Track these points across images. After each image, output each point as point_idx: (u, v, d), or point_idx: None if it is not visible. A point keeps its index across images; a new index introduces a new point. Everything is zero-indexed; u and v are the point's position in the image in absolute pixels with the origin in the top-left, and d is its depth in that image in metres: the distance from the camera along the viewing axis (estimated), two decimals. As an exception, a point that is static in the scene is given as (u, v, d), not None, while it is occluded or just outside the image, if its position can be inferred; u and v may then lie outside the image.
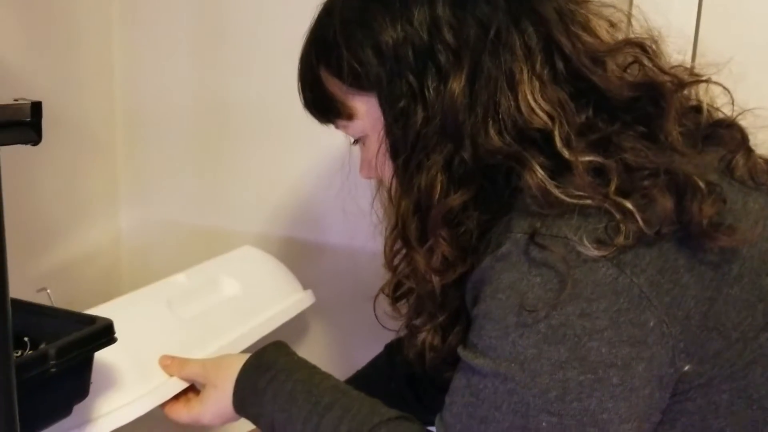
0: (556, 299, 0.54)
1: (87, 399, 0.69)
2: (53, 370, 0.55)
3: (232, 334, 0.88)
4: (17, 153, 0.89)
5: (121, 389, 0.73)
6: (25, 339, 0.61)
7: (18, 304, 0.64)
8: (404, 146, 0.62)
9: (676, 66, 0.64)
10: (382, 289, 0.73)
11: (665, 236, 0.56)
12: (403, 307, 0.72)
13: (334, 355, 1.12)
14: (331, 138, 0.78)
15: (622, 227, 0.54)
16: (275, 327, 0.95)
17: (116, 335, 0.61)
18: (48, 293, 0.78)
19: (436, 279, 0.64)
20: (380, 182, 0.74)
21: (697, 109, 0.66)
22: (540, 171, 0.57)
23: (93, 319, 0.61)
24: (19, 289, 0.67)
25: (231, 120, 1.17)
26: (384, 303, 0.73)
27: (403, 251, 0.66)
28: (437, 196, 0.61)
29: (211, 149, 1.20)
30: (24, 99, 0.66)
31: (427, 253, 0.63)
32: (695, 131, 0.63)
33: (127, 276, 1.26)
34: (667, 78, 0.62)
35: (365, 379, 0.87)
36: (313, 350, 1.15)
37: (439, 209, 0.61)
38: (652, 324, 0.55)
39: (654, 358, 0.55)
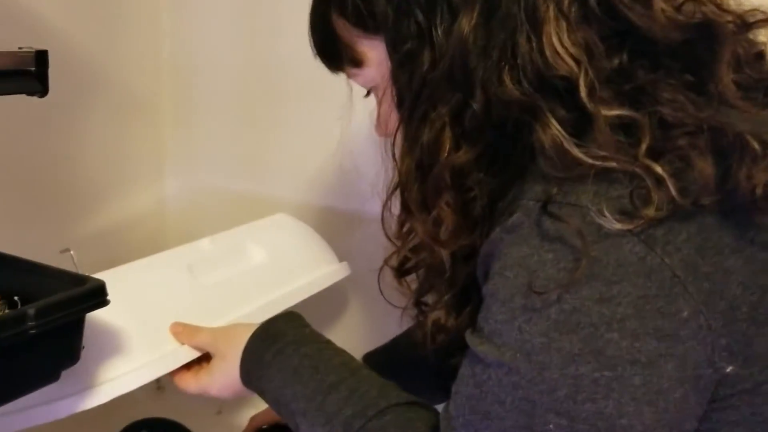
0: (569, 280, 0.47)
1: (89, 364, 0.67)
2: (33, 331, 0.52)
3: (254, 303, 0.84)
4: (64, 116, 0.88)
5: (129, 356, 0.71)
6: (16, 298, 0.59)
7: (12, 261, 0.62)
8: (409, 95, 0.55)
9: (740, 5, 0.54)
10: (386, 261, 0.66)
11: (707, 208, 0.47)
12: (412, 282, 0.66)
13: (371, 330, 1.07)
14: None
15: (653, 196, 0.45)
16: (303, 298, 0.91)
17: (108, 298, 0.58)
18: (72, 255, 0.76)
19: (441, 251, 0.57)
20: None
21: (764, 56, 0.55)
22: (556, 125, 0.48)
23: (84, 280, 0.58)
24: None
25: (278, 84, 1.13)
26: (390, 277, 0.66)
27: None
28: (442, 153, 0.53)
29: (258, 114, 1.17)
30: (29, 47, 0.63)
31: (429, 221, 0.56)
32: (757, 83, 0.53)
33: (171, 241, 1.25)
34: (728, 17, 0.51)
35: (387, 357, 0.81)
36: (349, 325, 1.11)
37: (442, 168, 0.54)
38: (685, 314, 0.46)
39: (687, 355, 0.47)
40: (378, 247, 1.10)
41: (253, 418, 0.97)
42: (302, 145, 1.14)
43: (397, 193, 0.59)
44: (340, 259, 1.01)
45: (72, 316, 0.56)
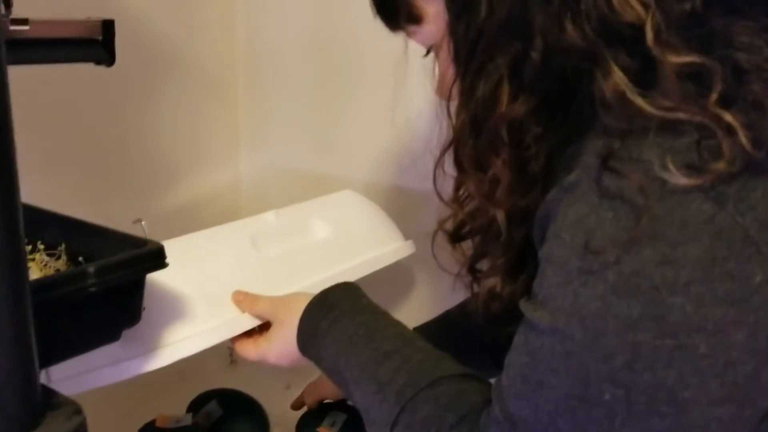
0: (629, 240, 0.43)
1: (152, 327, 0.69)
2: (93, 289, 0.54)
3: (316, 276, 0.84)
4: (142, 94, 0.91)
5: (191, 321, 0.73)
6: (80, 259, 0.61)
7: (78, 224, 0.65)
8: (466, 47, 0.53)
9: None
10: (440, 225, 0.64)
11: None
12: (468, 248, 0.64)
13: (435, 310, 1.06)
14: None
15: (724, 148, 0.42)
16: (366, 273, 0.90)
17: (167, 261, 0.59)
18: (143, 225, 0.79)
19: (496, 211, 0.55)
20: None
21: None
22: (619, 73, 0.45)
23: (145, 242, 0.59)
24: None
25: (349, 65, 1.13)
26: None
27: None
28: (498, 106, 0.51)
29: (329, 95, 1.18)
30: (97, 17, 0.65)
31: (485, 180, 0.54)
32: None
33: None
34: None
35: (439, 329, 0.80)
36: (413, 304, 1.10)
37: (498, 122, 0.51)
38: (758, 279, 0.42)
39: (759, 324, 0.43)
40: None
41: (309, 386, 0.97)
42: (372, 125, 1.13)
43: (451, 151, 0.57)
44: (406, 237, 1.00)
45: (131, 276, 0.57)
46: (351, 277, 0.88)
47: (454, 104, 0.58)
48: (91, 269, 0.54)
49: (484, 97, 0.52)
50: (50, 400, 0.49)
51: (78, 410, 0.49)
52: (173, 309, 0.72)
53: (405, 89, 0.79)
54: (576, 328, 0.46)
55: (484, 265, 0.62)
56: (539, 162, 0.53)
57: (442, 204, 0.63)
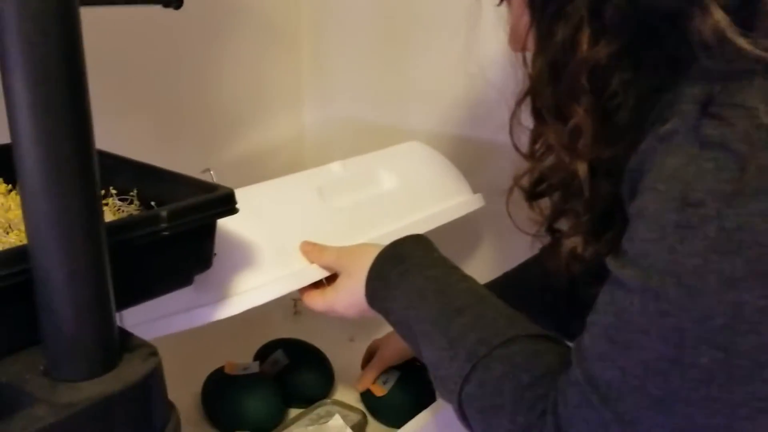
0: (733, 192, 0.41)
1: (223, 275, 0.69)
2: (165, 233, 0.54)
3: (383, 228, 0.83)
4: (208, 44, 0.90)
5: (260, 271, 0.73)
6: (152, 203, 0.61)
7: (150, 170, 0.65)
8: None
9: None
10: (516, 181, 0.61)
11: None
12: (546, 206, 0.61)
13: (504, 266, 1.04)
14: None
15: None
16: (434, 226, 0.88)
17: (238, 207, 0.59)
18: (211, 174, 0.79)
19: (578, 165, 0.52)
20: None
21: None
22: (719, 11, 0.42)
23: (215, 188, 0.59)
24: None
25: (414, 15, 1.10)
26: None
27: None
28: (579, 50, 0.48)
29: (393, 44, 1.15)
30: (165, -39, 0.64)
31: (565, 131, 0.51)
32: None
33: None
34: None
35: (514, 285, 0.78)
36: (481, 259, 1.08)
37: (579, 66, 0.48)
38: None
39: None
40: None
41: (374, 343, 0.97)
42: (439, 74, 1.10)
43: (528, 102, 0.54)
44: (474, 191, 0.97)
45: (202, 221, 0.57)
46: (418, 230, 0.86)
47: (529, 56, 0.55)
48: (164, 213, 0.54)
49: (563, 42, 0.49)
50: (127, 342, 0.50)
51: (154, 352, 0.50)
52: (243, 258, 0.72)
53: (477, 36, 0.76)
54: (671, 286, 0.43)
55: (563, 224, 0.60)
56: (627, 110, 0.49)
57: (518, 159, 0.60)
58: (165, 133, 1.03)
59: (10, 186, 0.67)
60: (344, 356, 1.04)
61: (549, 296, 0.73)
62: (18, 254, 0.45)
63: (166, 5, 0.63)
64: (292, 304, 1.23)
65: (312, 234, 0.77)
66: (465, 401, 0.57)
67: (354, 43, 1.18)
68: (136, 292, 0.56)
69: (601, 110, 0.50)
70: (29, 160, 0.41)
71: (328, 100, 1.24)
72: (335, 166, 0.87)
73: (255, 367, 0.99)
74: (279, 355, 1.03)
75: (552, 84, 0.51)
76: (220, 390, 0.96)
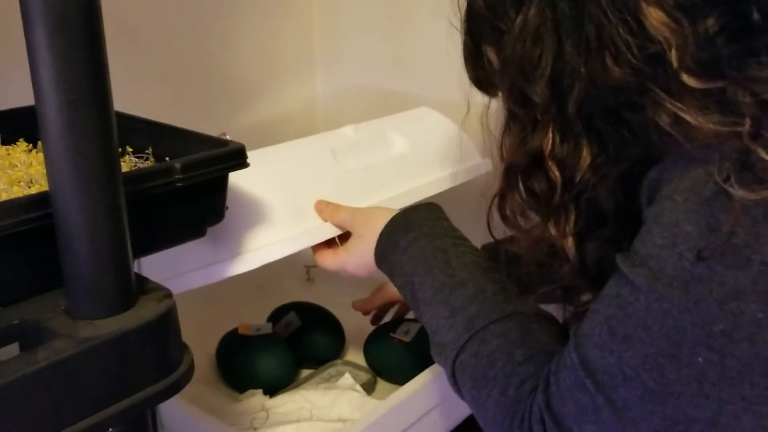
0: (745, 213, 0.43)
1: (238, 232, 0.72)
2: (179, 184, 0.56)
3: (395, 189, 0.85)
4: (216, 12, 0.92)
5: (275, 227, 0.75)
6: (167, 158, 0.64)
7: (163, 128, 0.67)
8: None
9: None
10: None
11: None
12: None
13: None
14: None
15: None
16: (443, 189, 0.90)
17: (248, 161, 0.61)
18: (227, 138, 0.81)
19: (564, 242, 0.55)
20: None
21: None
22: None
23: (226, 143, 0.61)
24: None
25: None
26: None
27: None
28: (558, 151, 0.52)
29: (406, 10, 1.15)
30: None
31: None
32: None
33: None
34: None
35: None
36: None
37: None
38: None
39: None
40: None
41: (377, 290, 0.99)
42: (447, 41, 1.11)
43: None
44: (483, 155, 0.99)
45: (214, 173, 0.59)
46: (429, 193, 0.88)
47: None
48: (177, 165, 0.56)
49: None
50: (143, 285, 0.53)
51: (168, 294, 0.52)
52: (258, 215, 0.74)
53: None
54: (677, 290, 0.45)
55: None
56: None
57: None
58: (179, 102, 1.05)
59: (31, 145, 0.70)
60: (354, 320, 1.07)
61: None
62: (40, 200, 0.48)
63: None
64: (305, 271, 1.26)
65: (326, 194, 0.79)
66: (458, 369, 0.60)
67: (364, 11, 1.19)
68: (151, 241, 0.58)
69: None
70: (51, 112, 0.43)
71: (339, 67, 1.25)
72: (348, 130, 0.89)
73: (268, 328, 1.01)
74: (291, 317, 1.05)
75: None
76: (234, 350, 0.98)
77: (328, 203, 0.78)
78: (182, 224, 0.60)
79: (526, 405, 0.54)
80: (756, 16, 0.45)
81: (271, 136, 1.18)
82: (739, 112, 0.44)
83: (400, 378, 0.94)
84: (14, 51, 0.50)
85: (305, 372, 1.01)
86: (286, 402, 0.92)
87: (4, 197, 0.56)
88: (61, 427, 0.45)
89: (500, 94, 0.57)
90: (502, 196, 0.58)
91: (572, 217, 0.54)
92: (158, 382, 0.50)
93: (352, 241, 0.76)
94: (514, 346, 0.57)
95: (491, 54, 0.56)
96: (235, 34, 1.12)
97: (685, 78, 0.45)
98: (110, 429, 0.48)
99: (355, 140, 0.88)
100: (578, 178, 0.52)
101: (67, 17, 0.42)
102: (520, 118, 0.53)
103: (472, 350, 0.59)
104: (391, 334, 0.99)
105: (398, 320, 1.01)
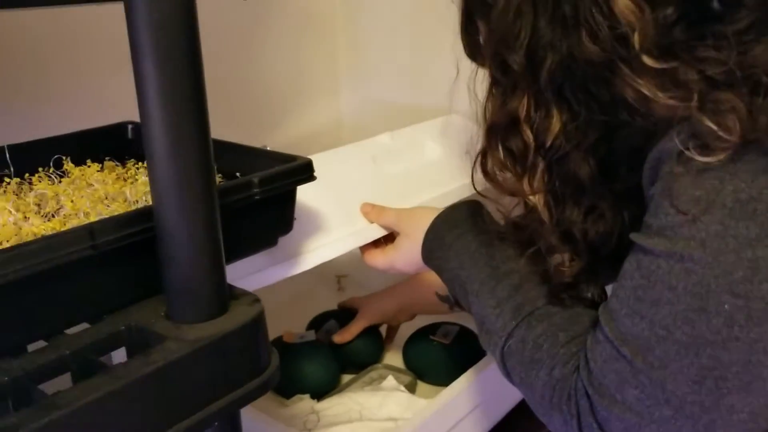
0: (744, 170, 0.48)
1: (293, 235, 0.75)
2: (257, 197, 0.60)
3: (432, 193, 0.90)
4: (243, 32, 0.96)
5: (326, 229, 0.79)
6: (237, 174, 0.67)
7: (231, 145, 0.71)
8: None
9: None
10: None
11: None
12: None
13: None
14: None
15: None
16: (475, 192, 0.94)
17: (315, 174, 0.65)
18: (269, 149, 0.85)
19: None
20: None
21: None
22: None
23: (295, 158, 0.65)
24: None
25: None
26: None
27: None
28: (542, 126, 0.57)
29: (429, 26, 1.19)
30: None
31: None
32: None
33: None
34: None
35: None
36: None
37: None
38: None
39: None
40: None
41: (352, 301, 1.06)
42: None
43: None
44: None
45: (287, 187, 0.63)
46: (460, 195, 0.93)
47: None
48: (255, 179, 0.60)
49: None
50: (232, 291, 0.56)
51: (257, 299, 0.56)
52: (310, 220, 0.78)
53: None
54: (695, 250, 0.49)
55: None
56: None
57: None
58: (214, 120, 1.09)
59: (100, 165, 0.74)
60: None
61: None
62: (142, 215, 0.52)
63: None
64: (336, 280, 1.30)
65: (370, 197, 0.83)
66: (507, 354, 0.64)
67: (387, 27, 1.23)
68: (233, 251, 0.62)
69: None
70: (157, 134, 0.47)
71: (363, 83, 1.29)
72: (384, 138, 0.93)
73: (311, 336, 1.05)
74: (331, 324, 1.09)
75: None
76: (280, 357, 1.02)
77: (374, 205, 0.83)
78: (258, 235, 0.64)
79: (571, 382, 0.58)
80: (716, 4, 0.50)
81: (300, 151, 1.23)
82: (689, 88, 0.49)
83: (441, 379, 0.98)
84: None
85: (347, 377, 1.04)
86: (335, 405, 0.95)
87: (93, 214, 0.60)
88: (171, 424, 0.49)
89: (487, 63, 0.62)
90: (483, 153, 0.63)
91: (544, 176, 0.59)
92: (252, 381, 0.54)
93: (399, 240, 0.80)
94: (558, 329, 0.61)
95: (481, 26, 0.62)
96: (263, 55, 1.16)
97: (645, 59, 0.50)
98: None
99: (392, 147, 0.93)
100: (549, 143, 0.57)
101: (174, 51, 0.46)
102: (502, 85, 0.59)
103: (519, 336, 0.63)
104: (431, 337, 1.02)
105: (436, 324, 1.05)
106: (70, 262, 0.48)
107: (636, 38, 0.50)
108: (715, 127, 0.48)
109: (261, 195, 0.60)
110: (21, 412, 0.42)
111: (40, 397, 0.45)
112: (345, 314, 1.10)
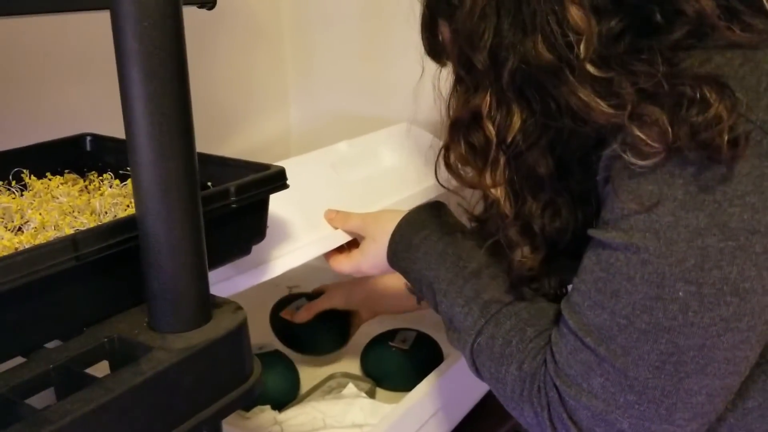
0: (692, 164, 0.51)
1: (260, 243, 0.75)
2: (234, 206, 0.60)
3: (392, 198, 0.92)
4: (190, 43, 0.95)
5: (292, 236, 0.79)
6: (209, 184, 0.67)
7: (202, 155, 0.70)
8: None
9: None
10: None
11: None
12: None
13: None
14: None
15: None
16: (432, 197, 0.96)
17: (288, 182, 0.65)
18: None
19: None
20: None
21: None
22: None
23: (268, 166, 0.66)
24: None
25: (396, 5, 1.17)
26: None
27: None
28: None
29: (374, 36, 1.21)
30: (199, -39, 0.70)
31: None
32: None
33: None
34: None
35: None
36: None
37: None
38: None
39: None
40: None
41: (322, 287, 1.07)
42: (419, 65, 1.17)
43: None
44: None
45: (262, 195, 0.63)
46: (422, 199, 0.95)
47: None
48: (232, 188, 0.60)
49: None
50: (214, 299, 0.56)
51: (239, 307, 0.56)
52: (276, 227, 0.77)
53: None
54: (650, 241, 0.53)
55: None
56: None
57: None
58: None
59: (60, 178, 0.72)
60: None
61: None
62: (125, 225, 0.51)
63: (201, 6, 0.69)
64: (287, 291, 1.29)
65: (332, 204, 0.84)
66: (476, 351, 0.66)
67: (335, 37, 1.24)
68: (209, 261, 0.61)
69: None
70: (142, 141, 0.47)
71: (312, 95, 1.29)
72: (342, 146, 0.95)
73: (270, 347, 1.04)
74: (302, 302, 1.08)
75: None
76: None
77: (338, 211, 0.84)
78: (233, 243, 0.64)
79: (540, 375, 0.61)
80: (658, 18, 0.54)
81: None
82: (624, 99, 0.52)
83: (400, 385, 0.99)
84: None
85: (305, 386, 1.03)
86: (297, 414, 0.94)
87: (65, 227, 0.59)
88: (160, 434, 0.48)
89: (450, 62, 0.65)
90: (447, 148, 0.65)
91: (505, 171, 0.62)
92: (237, 389, 0.54)
93: (365, 244, 0.81)
94: (526, 324, 0.64)
95: (444, 27, 0.64)
96: (209, 68, 1.15)
97: (588, 67, 0.53)
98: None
99: (350, 154, 0.94)
100: (510, 139, 0.59)
101: (162, 58, 0.46)
102: (466, 82, 0.61)
103: (489, 332, 0.65)
104: (390, 343, 1.04)
105: (394, 330, 1.06)
106: (53, 274, 0.47)
107: (582, 47, 0.53)
108: (643, 137, 0.51)
109: (237, 203, 0.60)
110: (12, 428, 0.41)
111: (28, 412, 0.44)
112: (315, 297, 1.09)
